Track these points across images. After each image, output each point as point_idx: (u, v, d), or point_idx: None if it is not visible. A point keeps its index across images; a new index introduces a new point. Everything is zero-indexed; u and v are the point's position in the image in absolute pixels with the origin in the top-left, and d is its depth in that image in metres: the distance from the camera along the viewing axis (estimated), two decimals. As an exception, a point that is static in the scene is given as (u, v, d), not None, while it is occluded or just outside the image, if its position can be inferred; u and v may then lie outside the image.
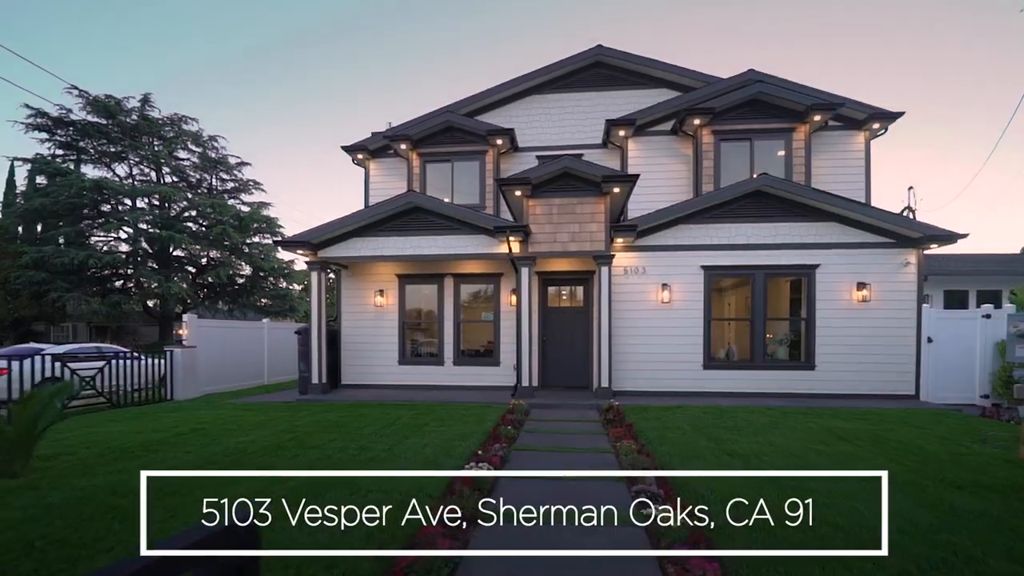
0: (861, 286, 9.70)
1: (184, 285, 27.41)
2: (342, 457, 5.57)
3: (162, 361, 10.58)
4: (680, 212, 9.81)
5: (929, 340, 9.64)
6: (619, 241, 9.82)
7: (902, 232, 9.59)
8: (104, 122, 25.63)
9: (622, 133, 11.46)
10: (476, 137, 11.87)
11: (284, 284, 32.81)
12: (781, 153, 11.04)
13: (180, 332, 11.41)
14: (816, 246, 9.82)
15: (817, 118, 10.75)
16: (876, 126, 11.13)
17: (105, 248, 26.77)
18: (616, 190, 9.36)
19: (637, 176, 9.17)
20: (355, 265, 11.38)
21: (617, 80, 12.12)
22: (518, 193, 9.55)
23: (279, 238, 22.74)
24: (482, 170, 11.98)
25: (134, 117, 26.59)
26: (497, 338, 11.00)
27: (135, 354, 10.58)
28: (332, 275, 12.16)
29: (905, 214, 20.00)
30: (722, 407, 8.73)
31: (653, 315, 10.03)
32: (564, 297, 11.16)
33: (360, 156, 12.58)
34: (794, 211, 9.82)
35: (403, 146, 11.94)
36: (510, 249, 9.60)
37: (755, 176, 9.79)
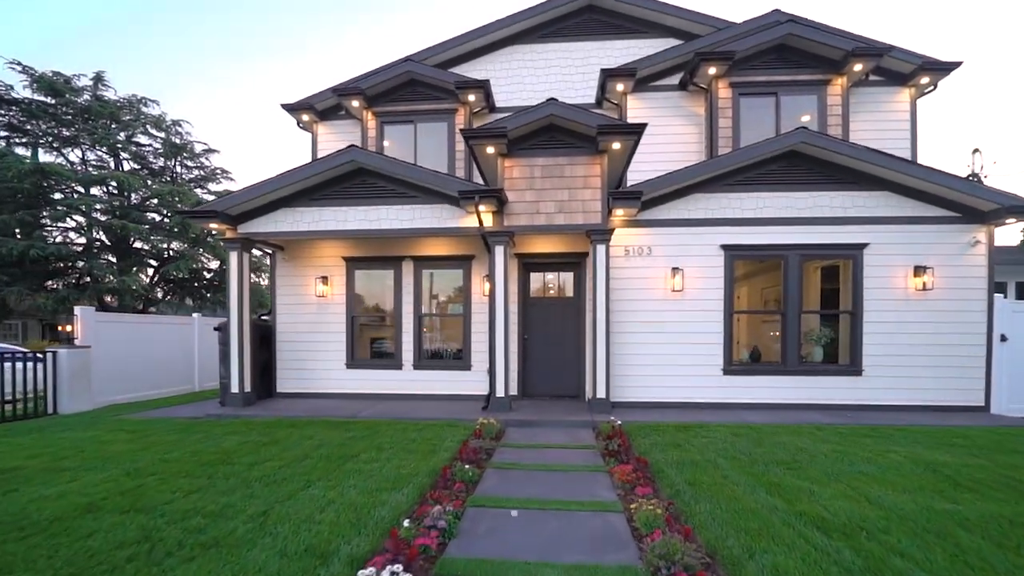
0: (919, 271, 7.53)
1: (144, 279, 24.72)
2: (165, 536, 3.21)
3: (40, 365, 8.07)
4: (695, 177, 7.57)
5: (1003, 338, 7.50)
6: (619, 214, 7.55)
7: (970, 203, 7.44)
8: (51, 101, 22.88)
9: (620, 88, 9.20)
10: (443, 93, 9.54)
11: (254, 278, 30.09)
12: (808, 117, 8.86)
13: (68, 328, 8.90)
14: (863, 220, 7.63)
15: (858, 67, 8.58)
16: (924, 81, 9.00)
17: (60, 239, 24.04)
18: (616, 146, 7.08)
19: (643, 127, 6.90)
20: (292, 245, 8.99)
21: (614, 27, 9.86)
22: (491, 150, 7.24)
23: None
24: (451, 133, 9.64)
25: (86, 97, 23.85)
26: (468, 336, 8.68)
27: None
28: (266, 255, 9.69)
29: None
30: (754, 425, 6.50)
31: (661, 307, 7.77)
32: (550, 286, 8.87)
33: (306, 118, 10.18)
34: (837, 176, 7.62)
35: (355, 103, 9.57)
36: (480, 222, 7.28)
37: (788, 132, 7.59)
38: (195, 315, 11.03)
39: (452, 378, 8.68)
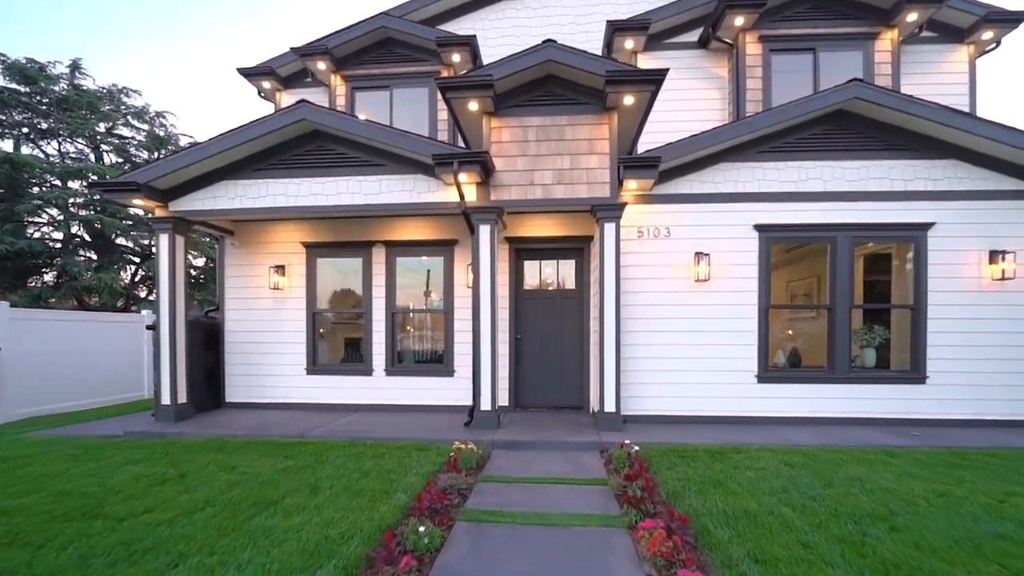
0: (996, 256, 6.06)
1: (124, 277, 23.19)
2: None
3: (-68, 371, 6.58)
4: (723, 141, 6.09)
5: (1100, 338, 6.03)
6: (631, 186, 6.09)
7: (1060, 173, 5.97)
8: (24, 90, 21.39)
9: (630, 45, 7.75)
10: (423, 53, 8.08)
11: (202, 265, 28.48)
12: (852, 74, 7.38)
13: None
14: (929, 196, 6.17)
15: (911, 18, 7.13)
16: (986, 36, 7.55)
17: (36, 234, 22.50)
18: (628, 100, 5.61)
19: (663, 73, 5.43)
20: (243, 229, 7.51)
21: (621, -21, 8.40)
22: (474, 106, 5.77)
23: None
24: (432, 100, 8.18)
25: (63, 86, 22.36)
26: (450, 336, 7.19)
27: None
28: (216, 241, 8.16)
29: None
30: (805, 449, 5.03)
31: (683, 300, 6.30)
32: (548, 277, 7.40)
33: (267, 85, 8.71)
34: (896, 141, 6.16)
35: (321, 65, 8.10)
36: (461, 196, 5.80)
37: (838, 86, 6.13)
38: (145, 312, 9.56)
39: (431, 386, 7.20)
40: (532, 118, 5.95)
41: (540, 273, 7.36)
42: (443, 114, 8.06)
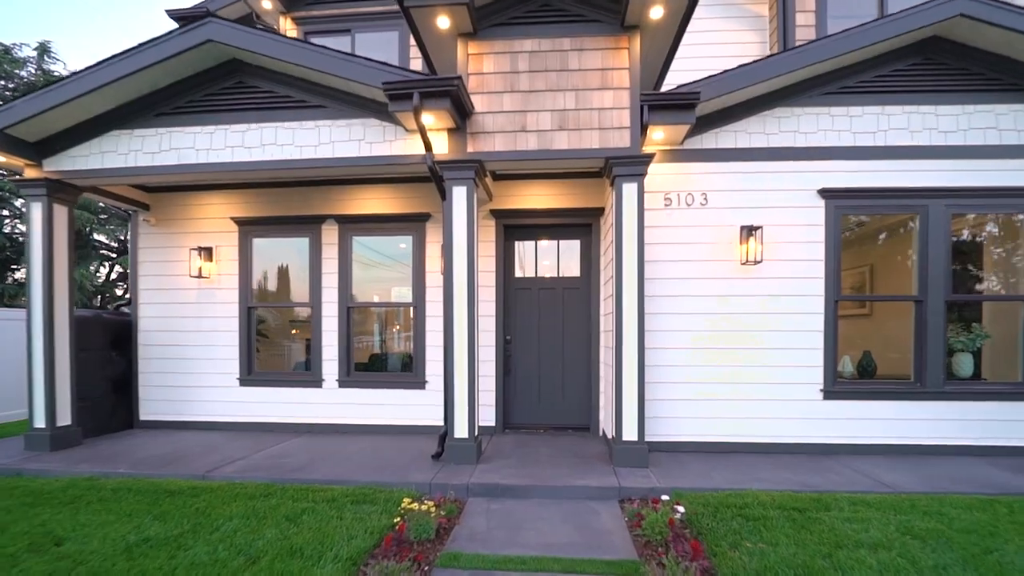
0: None
1: (101, 274, 21.45)
2: None
3: None
4: (780, 74, 4.47)
5: None
6: (657, 138, 4.48)
7: None
8: (-15, 72, 19.63)
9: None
10: (393, -14, 6.44)
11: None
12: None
13: None
14: (1052, 150, 4.57)
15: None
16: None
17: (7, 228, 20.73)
18: (657, 12, 3.99)
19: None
20: (160, 201, 5.87)
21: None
22: (444, 22, 4.14)
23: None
24: (404, 44, 6.55)
25: (31, 70, 20.63)
26: (420, 337, 5.55)
27: None
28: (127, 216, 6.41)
29: None
30: (921, 502, 3.42)
31: (725, 290, 4.68)
32: (546, 262, 5.77)
33: (205, 32, 7.05)
34: (1009, 79, 4.56)
35: (267, 4, 6.46)
36: (427, 145, 4.17)
37: (932, 1, 4.54)
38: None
39: (397, 400, 5.56)
40: (524, 41, 4.32)
41: (536, 257, 5.73)
42: (418, 63, 6.43)
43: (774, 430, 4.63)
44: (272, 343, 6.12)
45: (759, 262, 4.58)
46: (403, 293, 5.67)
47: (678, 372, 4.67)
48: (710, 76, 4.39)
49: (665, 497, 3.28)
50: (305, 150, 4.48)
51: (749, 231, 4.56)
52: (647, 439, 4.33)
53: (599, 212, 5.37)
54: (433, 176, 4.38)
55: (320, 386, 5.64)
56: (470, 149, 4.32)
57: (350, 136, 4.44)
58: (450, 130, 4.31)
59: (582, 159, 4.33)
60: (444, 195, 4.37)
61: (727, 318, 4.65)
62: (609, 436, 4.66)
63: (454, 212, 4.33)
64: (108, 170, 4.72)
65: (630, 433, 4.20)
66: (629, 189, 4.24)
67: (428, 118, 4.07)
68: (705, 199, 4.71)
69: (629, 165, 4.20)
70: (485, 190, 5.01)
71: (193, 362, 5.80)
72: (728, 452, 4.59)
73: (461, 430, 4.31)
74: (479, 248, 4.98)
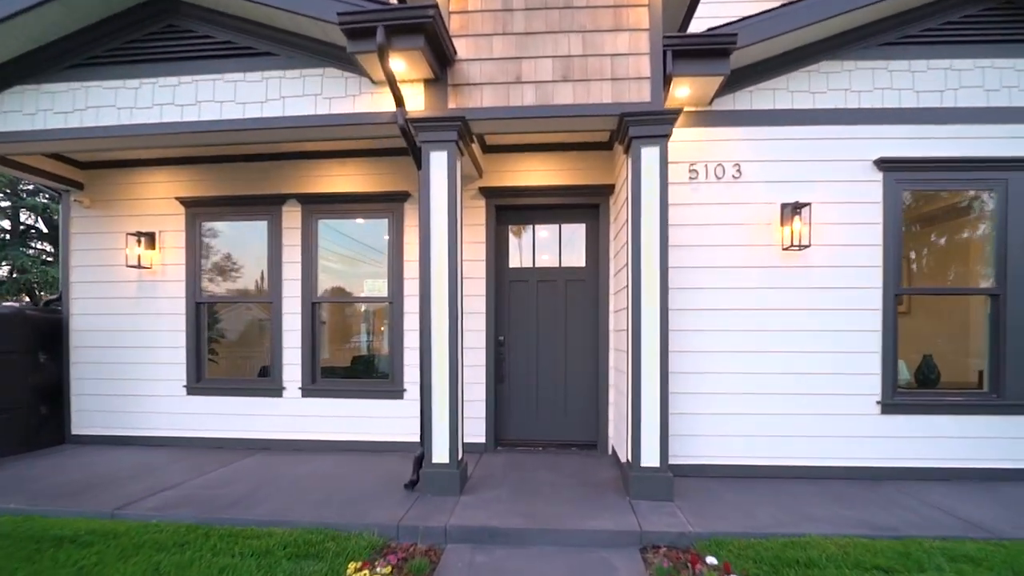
0: None
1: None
2: None
3: None
4: (829, 19, 3.62)
5: None
6: (681, 94, 3.64)
7: None
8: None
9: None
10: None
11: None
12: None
13: None
14: None
15: None
16: None
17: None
18: (686, -70, 3.15)
19: None
20: (95, 179, 4.99)
21: None
22: (419, -55, 3.28)
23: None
24: None
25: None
26: (397, 338, 4.69)
27: None
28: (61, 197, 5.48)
29: None
30: (1039, 555, 2.57)
31: (762, 280, 3.83)
32: (545, 250, 4.91)
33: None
34: (1106, 25, 3.74)
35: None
36: (397, 98, 3.30)
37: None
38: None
39: (371, 412, 4.69)
40: (519, -29, 3.48)
41: (534, 244, 4.87)
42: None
43: (821, 450, 3.79)
44: (226, 344, 5.24)
45: (805, 247, 3.74)
46: (378, 287, 4.80)
47: (707, 381, 3.82)
48: (746, 17, 3.54)
49: (712, 560, 2.43)
50: (249, 108, 3.61)
51: (793, 210, 3.72)
52: (672, 461, 3.48)
53: (608, 190, 4.51)
54: (406, 139, 3.51)
55: (280, 395, 4.77)
56: (452, 105, 3.46)
57: (304, 90, 3.57)
58: (427, 81, 3.45)
59: (590, 117, 3.46)
60: (420, 163, 3.51)
61: (766, 316, 3.81)
62: (623, 458, 3.82)
63: (432, 184, 3.47)
64: (12, 134, 3.83)
65: (650, 457, 3.36)
66: (649, 155, 3.39)
67: (398, 63, 3.22)
68: (738, 171, 3.86)
69: (649, 124, 3.35)
70: (473, 162, 4.15)
71: (133, 367, 4.92)
72: (766, 477, 3.75)
73: (441, 453, 3.46)
74: (465, 232, 4.15)
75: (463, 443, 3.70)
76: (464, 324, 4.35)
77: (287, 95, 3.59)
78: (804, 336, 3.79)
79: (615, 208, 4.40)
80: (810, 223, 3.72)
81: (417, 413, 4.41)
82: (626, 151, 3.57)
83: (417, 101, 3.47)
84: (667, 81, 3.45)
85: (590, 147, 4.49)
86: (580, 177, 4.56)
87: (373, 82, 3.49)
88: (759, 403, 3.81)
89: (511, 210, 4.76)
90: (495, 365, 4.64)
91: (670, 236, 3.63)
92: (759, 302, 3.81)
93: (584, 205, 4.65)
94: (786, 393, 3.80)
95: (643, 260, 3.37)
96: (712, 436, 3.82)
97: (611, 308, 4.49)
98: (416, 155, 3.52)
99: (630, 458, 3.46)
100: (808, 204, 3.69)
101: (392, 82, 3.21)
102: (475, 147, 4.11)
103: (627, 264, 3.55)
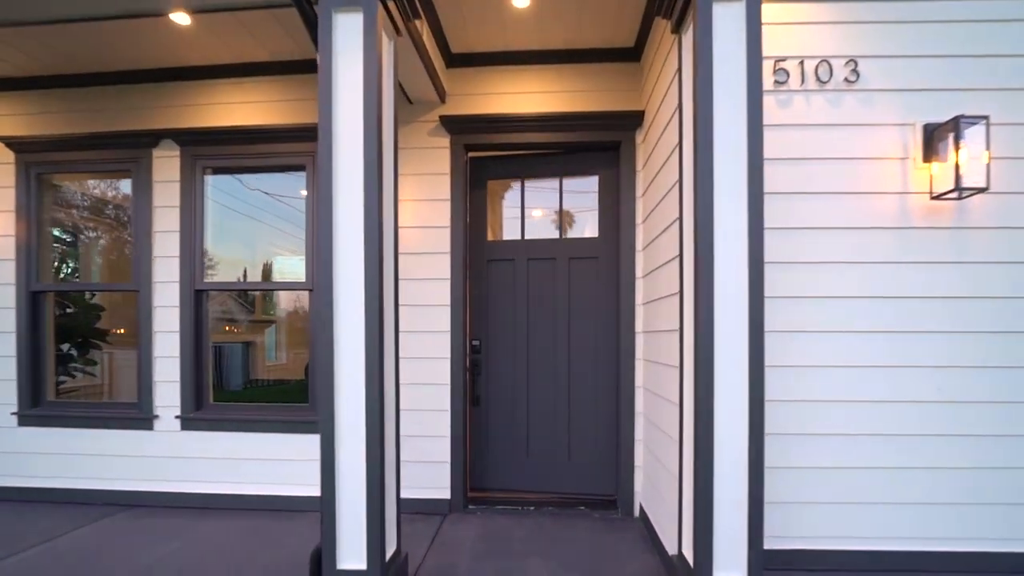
0: None
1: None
2: None
3: None
4: None
5: None
6: (768, -65, 2.10)
7: None
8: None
9: None
10: None
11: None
12: None
13: None
14: None
15: None
16: None
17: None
18: None
19: None
20: None
21: None
22: None
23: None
24: None
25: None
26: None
27: None
28: None
29: None
30: None
31: (896, 250, 2.30)
32: (540, 214, 3.37)
33: None
34: None
35: None
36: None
37: None
38: None
39: (282, 452, 3.14)
40: None
41: (522, 205, 3.34)
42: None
43: (1011, 524, 2.30)
44: (74, 354, 3.66)
45: (970, 192, 2.22)
46: (292, 268, 3.24)
47: (815, 414, 2.31)
48: None
49: None
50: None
51: (949, 133, 2.20)
52: (767, 544, 1.98)
53: (633, 121, 2.97)
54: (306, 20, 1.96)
55: (150, 427, 3.20)
56: (372, -70, 1.91)
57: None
58: None
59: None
60: (315, 37, 1.95)
61: (902, 307, 2.30)
62: (668, 543, 2.30)
63: (337, 78, 1.91)
64: None
65: (730, 561, 1.84)
66: (728, 19, 1.86)
67: None
68: (853, 72, 2.32)
69: (729, -41, 1.82)
70: (428, 72, 2.60)
71: (-57, 385, 3.35)
72: (921, 572, 2.25)
73: (352, 550, 1.93)
74: (418, 186, 2.70)
75: (398, 519, 2.17)
76: (417, 321, 2.82)
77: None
78: (975, 342, 2.27)
79: (645, 147, 2.88)
80: (988, 152, 2.19)
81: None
82: (676, 27, 2.04)
83: (310, -76, 1.92)
84: None
85: (606, 56, 2.97)
86: (591, 102, 3.02)
87: None
88: (905, 453, 2.28)
89: (491, 162, 3.22)
90: (467, 382, 3.11)
91: (776, 178, 2.07)
92: (893, 285, 2.28)
93: (597, 146, 3.11)
94: (950, 434, 2.28)
95: (718, 213, 1.85)
96: (828, 505, 2.29)
97: (638, 298, 2.97)
98: (308, 23, 1.96)
99: (689, 553, 1.95)
100: (983, 119, 2.17)
101: None
102: (430, 44, 2.57)
103: (678, 223, 2.03)
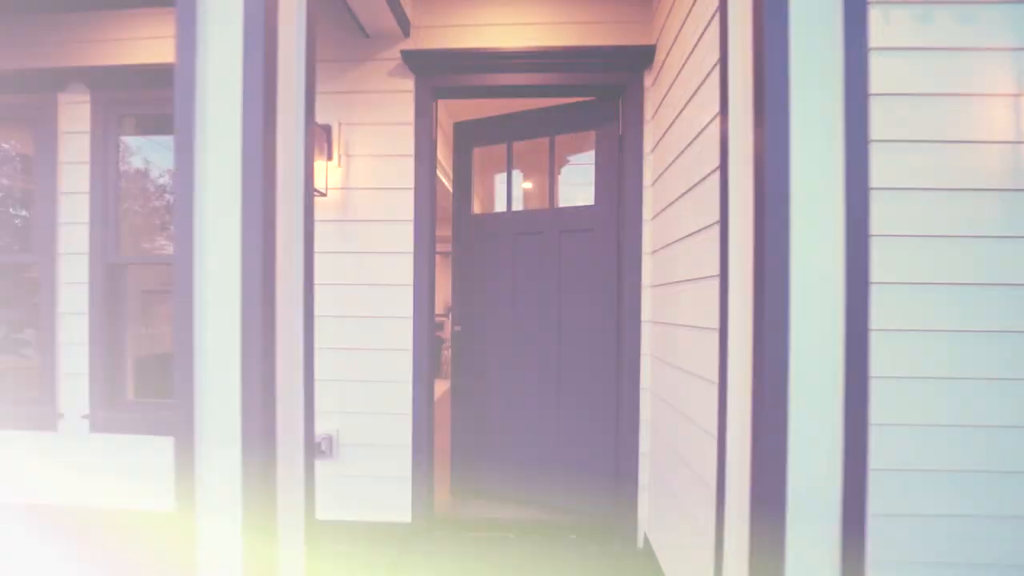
0: None
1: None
2: None
3: None
4: None
5: None
6: None
7: None
8: None
9: None
10: None
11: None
12: None
13: None
14: None
15: None
16: None
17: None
18: None
19: None
20: None
21: None
22: None
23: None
24: None
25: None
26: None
27: None
28: None
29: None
30: None
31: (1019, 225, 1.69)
32: (529, 178, 2.78)
33: None
34: None
35: None
36: None
37: None
38: None
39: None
40: None
41: (508, 172, 2.75)
42: None
43: None
44: None
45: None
46: (224, 237, 2.69)
47: (926, 442, 1.69)
48: None
49: None
50: None
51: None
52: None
53: (640, 60, 2.35)
54: None
55: (54, 428, 2.66)
56: None
57: None
58: None
59: None
60: None
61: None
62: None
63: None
64: None
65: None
66: None
67: None
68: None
69: None
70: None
71: None
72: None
73: (240, 625, 1.37)
74: (377, 141, 2.08)
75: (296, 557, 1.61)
76: (371, 305, 2.25)
77: None
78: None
79: (656, 90, 2.26)
80: None
81: (341, 471, 2.31)
82: None
83: None
84: None
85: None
86: (589, 35, 2.40)
87: None
88: None
89: (476, 126, 2.63)
90: (429, 380, 2.53)
91: (890, 120, 1.46)
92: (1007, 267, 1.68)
93: (595, 90, 2.50)
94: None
95: (795, 152, 1.24)
96: (948, 566, 1.70)
97: (646, 279, 2.38)
98: None
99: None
100: None
101: None
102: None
103: (719, 175, 1.44)
